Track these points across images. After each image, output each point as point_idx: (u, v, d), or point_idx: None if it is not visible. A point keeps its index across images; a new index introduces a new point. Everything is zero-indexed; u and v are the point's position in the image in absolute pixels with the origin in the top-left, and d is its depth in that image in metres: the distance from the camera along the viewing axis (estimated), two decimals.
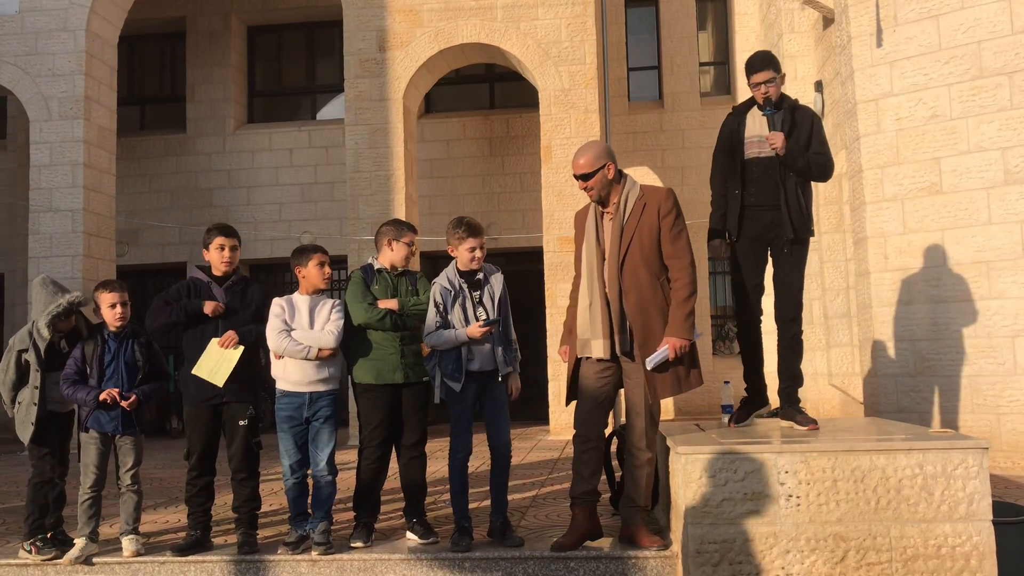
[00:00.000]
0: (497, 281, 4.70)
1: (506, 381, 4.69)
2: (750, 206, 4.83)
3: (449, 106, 13.78)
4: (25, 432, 4.72)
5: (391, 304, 4.65)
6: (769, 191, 4.79)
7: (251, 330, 4.67)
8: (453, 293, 4.59)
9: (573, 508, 4.47)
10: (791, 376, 4.90)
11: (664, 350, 4.20)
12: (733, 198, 4.87)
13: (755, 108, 4.92)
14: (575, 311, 4.48)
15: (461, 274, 4.65)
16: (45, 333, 4.77)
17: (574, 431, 4.50)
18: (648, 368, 4.22)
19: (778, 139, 4.68)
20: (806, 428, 4.62)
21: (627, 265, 4.27)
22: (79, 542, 4.59)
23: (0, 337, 13.66)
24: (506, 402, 4.69)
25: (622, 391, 4.53)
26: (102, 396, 4.54)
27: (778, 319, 4.91)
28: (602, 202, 4.42)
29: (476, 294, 4.62)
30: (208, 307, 4.61)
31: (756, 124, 4.88)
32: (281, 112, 14.32)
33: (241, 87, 14.13)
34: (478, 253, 4.62)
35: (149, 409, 4.91)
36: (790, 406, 4.84)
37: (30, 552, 4.61)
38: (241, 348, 4.60)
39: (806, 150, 4.81)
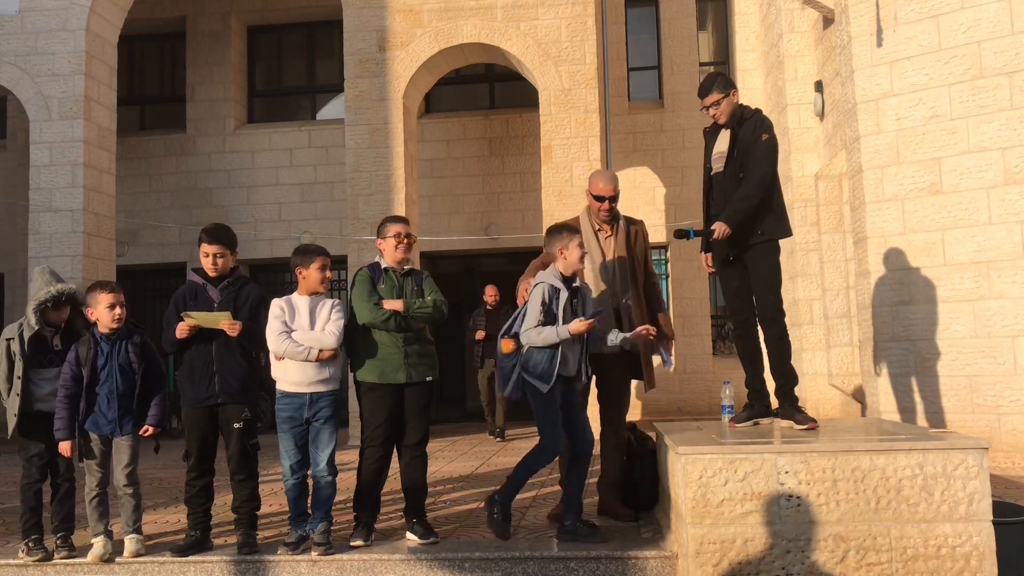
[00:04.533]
0: (589, 294, 4.79)
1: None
2: (715, 216, 5.06)
3: (449, 106, 13.79)
4: (11, 424, 4.73)
5: (396, 305, 4.65)
6: (724, 204, 5.00)
7: (251, 327, 4.67)
8: (558, 294, 4.55)
9: (564, 487, 4.90)
10: (783, 375, 4.95)
11: (664, 351, 5.09)
12: (706, 210, 5.24)
13: (722, 127, 5.13)
14: None
15: (562, 279, 4.63)
16: (32, 320, 4.75)
17: None
18: (668, 367, 5.08)
19: (718, 228, 4.83)
20: (804, 427, 4.63)
21: (634, 278, 5.00)
22: (98, 541, 4.59)
23: None
24: (580, 405, 4.79)
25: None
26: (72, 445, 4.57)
27: (759, 320, 5.05)
28: (608, 222, 5.06)
29: (575, 301, 4.65)
30: (179, 331, 4.55)
31: (720, 142, 5.08)
32: (281, 112, 14.32)
33: (241, 87, 14.13)
34: (584, 250, 4.63)
35: (168, 420, 4.90)
36: (789, 405, 4.86)
37: (23, 552, 4.64)
38: (228, 319, 4.54)
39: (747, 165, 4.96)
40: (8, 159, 13.82)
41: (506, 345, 4.61)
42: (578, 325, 4.42)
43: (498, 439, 10.04)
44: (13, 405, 4.72)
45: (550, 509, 5.29)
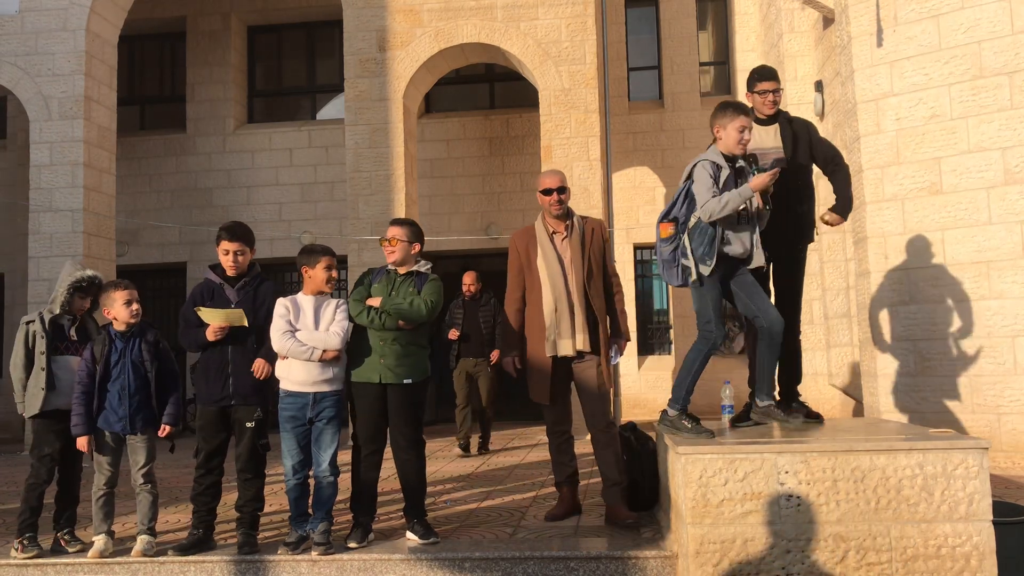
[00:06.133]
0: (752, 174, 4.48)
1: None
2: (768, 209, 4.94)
3: (449, 106, 13.79)
4: (35, 401, 4.77)
5: (373, 301, 4.70)
6: (781, 197, 4.84)
7: (268, 349, 4.69)
8: (720, 171, 4.36)
9: (561, 488, 5.21)
10: (798, 376, 5.07)
11: (616, 349, 5.13)
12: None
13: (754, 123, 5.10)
14: (520, 321, 5.09)
15: (725, 157, 4.44)
16: (60, 299, 4.88)
17: (549, 427, 5.14)
18: (611, 364, 5.08)
19: (835, 220, 5.01)
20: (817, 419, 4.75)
21: (588, 277, 4.99)
22: (99, 539, 4.60)
23: (0, 337, 13.67)
24: (755, 282, 4.50)
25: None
26: (80, 442, 4.60)
27: (791, 325, 5.04)
28: (560, 218, 5.04)
29: (739, 182, 4.40)
30: (209, 334, 4.58)
31: (765, 137, 5.03)
32: (281, 112, 14.32)
33: (241, 87, 14.13)
34: (746, 135, 4.40)
35: (182, 418, 4.94)
36: (798, 404, 4.98)
37: (17, 549, 4.64)
38: (242, 320, 4.60)
39: (811, 160, 5.04)
40: (8, 159, 13.82)
41: (664, 229, 4.45)
42: (761, 179, 4.25)
43: (474, 452, 8.72)
44: (38, 382, 4.78)
45: (549, 509, 5.29)
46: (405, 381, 4.70)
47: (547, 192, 5.01)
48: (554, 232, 5.07)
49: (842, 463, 3.86)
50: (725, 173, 4.35)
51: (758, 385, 4.64)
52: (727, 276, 4.42)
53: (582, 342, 4.91)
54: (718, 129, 4.45)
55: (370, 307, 4.68)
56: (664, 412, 4.50)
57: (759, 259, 4.42)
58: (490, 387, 8.64)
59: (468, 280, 8.82)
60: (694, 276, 4.36)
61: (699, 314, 4.44)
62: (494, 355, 8.53)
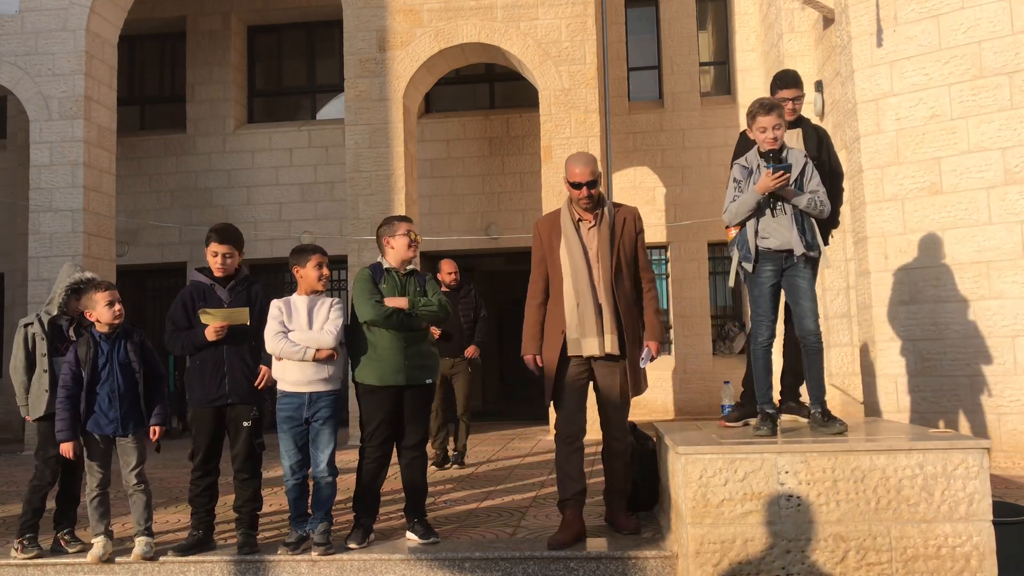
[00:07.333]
0: (798, 161, 4.50)
1: (812, 264, 4.49)
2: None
3: (449, 106, 13.79)
4: (39, 404, 4.81)
5: (400, 303, 4.63)
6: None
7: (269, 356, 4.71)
8: (749, 171, 4.51)
9: (564, 509, 4.59)
10: (800, 376, 5.08)
11: (648, 351, 4.61)
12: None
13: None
14: (540, 317, 4.64)
15: (761, 155, 4.50)
16: (57, 301, 4.92)
17: (560, 433, 4.59)
18: (642, 367, 4.63)
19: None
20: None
21: (617, 272, 4.57)
22: (98, 541, 4.59)
23: (0, 337, 13.67)
24: (808, 287, 4.46)
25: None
26: (64, 449, 4.54)
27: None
28: (589, 209, 4.61)
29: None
30: (210, 334, 4.58)
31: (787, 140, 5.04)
32: (281, 112, 14.32)
33: (241, 87, 14.13)
34: (769, 134, 4.42)
35: (170, 420, 4.92)
36: (793, 401, 4.99)
37: (17, 550, 4.64)
38: (246, 317, 4.61)
39: (829, 168, 5.13)
40: (8, 159, 13.82)
41: (729, 233, 4.66)
42: (763, 181, 4.36)
43: (452, 465, 7.63)
44: (41, 384, 4.81)
45: (552, 535, 4.57)
46: (427, 381, 4.72)
47: (576, 186, 4.54)
48: (580, 220, 4.61)
49: (842, 463, 3.86)
50: (748, 173, 4.50)
51: (809, 394, 4.60)
52: (781, 272, 4.49)
53: (611, 344, 4.49)
54: (748, 132, 4.59)
55: (397, 309, 4.60)
56: None
57: (799, 249, 4.37)
58: (467, 390, 7.59)
59: (449, 269, 7.68)
60: (732, 277, 4.60)
61: (751, 309, 4.61)
62: (470, 351, 7.58)
